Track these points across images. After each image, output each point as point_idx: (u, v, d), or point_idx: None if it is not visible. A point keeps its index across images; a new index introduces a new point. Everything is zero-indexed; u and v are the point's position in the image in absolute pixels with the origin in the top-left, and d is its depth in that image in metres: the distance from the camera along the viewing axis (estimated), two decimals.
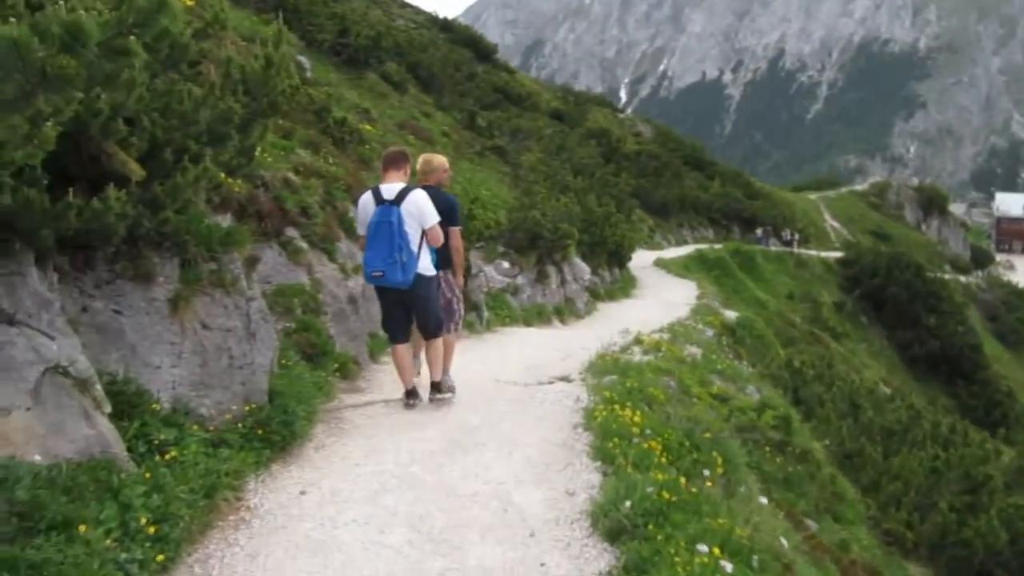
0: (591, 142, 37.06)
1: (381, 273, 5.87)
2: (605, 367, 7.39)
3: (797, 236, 47.61)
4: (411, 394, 6.22)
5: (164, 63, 4.86)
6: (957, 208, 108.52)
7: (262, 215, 7.45)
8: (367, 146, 13.40)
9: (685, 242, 43.51)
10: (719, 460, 5.14)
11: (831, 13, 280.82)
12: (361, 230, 6.22)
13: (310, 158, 9.30)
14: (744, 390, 9.72)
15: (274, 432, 4.78)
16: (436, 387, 6.32)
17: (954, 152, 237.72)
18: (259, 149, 8.23)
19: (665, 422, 5.41)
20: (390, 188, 6.04)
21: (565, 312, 15.28)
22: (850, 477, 10.71)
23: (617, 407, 5.46)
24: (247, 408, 4.86)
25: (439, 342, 6.33)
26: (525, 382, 7.48)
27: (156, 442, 4.06)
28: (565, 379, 7.10)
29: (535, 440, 5.27)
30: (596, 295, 18.52)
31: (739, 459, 5.64)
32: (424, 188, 6.37)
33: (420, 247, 6.00)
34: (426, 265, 6.08)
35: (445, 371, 6.43)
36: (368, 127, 14.86)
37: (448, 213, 6.42)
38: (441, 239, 6.17)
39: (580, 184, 23.12)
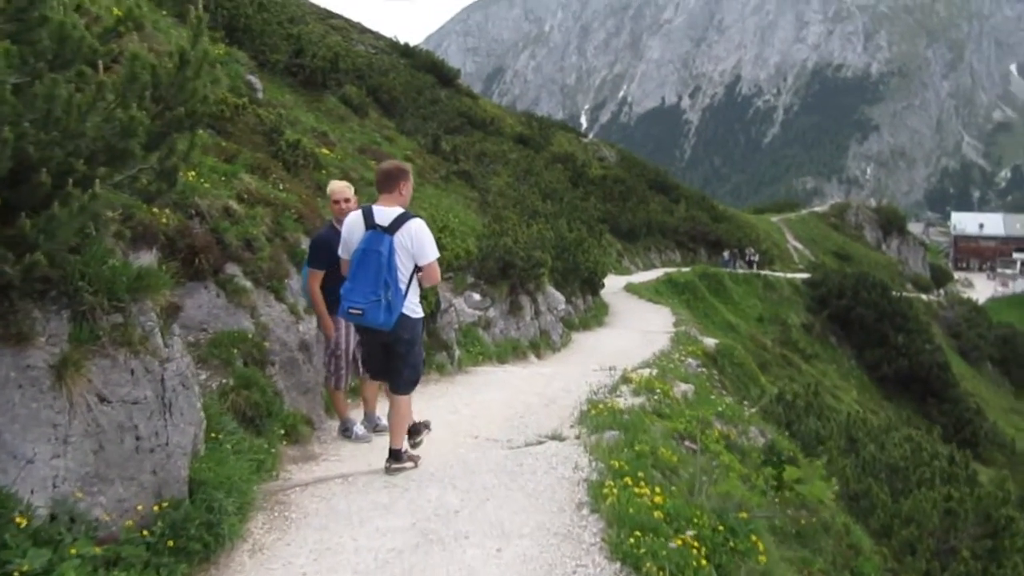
0: (557, 166, 36.24)
1: (360, 311, 5.04)
2: (601, 419, 6.35)
3: (757, 256, 47.46)
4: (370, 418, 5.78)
5: (52, 63, 3.77)
6: (914, 228, 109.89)
7: (196, 250, 6.33)
8: (323, 171, 12.30)
9: (653, 266, 42.96)
10: (760, 546, 4.11)
11: (785, 39, 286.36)
12: (345, 254, 5.36)
13: (256, 184, 8.19)
14: (747, 433, 8.75)
15: (193, 539, 3.64)
16: (395, 456, 5.34)
17: (908, 173, 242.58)
18: (192, 173, 7.14)
19: (690, 500, 4.37)
20: (384, 212, 5.19)
21: (541, 345, 14.24)
22: (858, 521, 9.76)
23: (629, 480, 4.42)
24: (158, 507, 3.73)
25: (405, 401, 5.41)
26: (509, 439, 6.42)
27: (16, 575, 2.92)
28: (557, 437, 6.02)
29: (530, 528, 4.19)
30: (571, 325, 17.52)
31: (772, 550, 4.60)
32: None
33: (409, 284, 5.17)
34: (413, 305, 5.25)
35: (398, 440, 5.38)
36: (326, 151, 13.77)
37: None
38: (439, 278, 5.37)
39: (550, 209, 22.19)
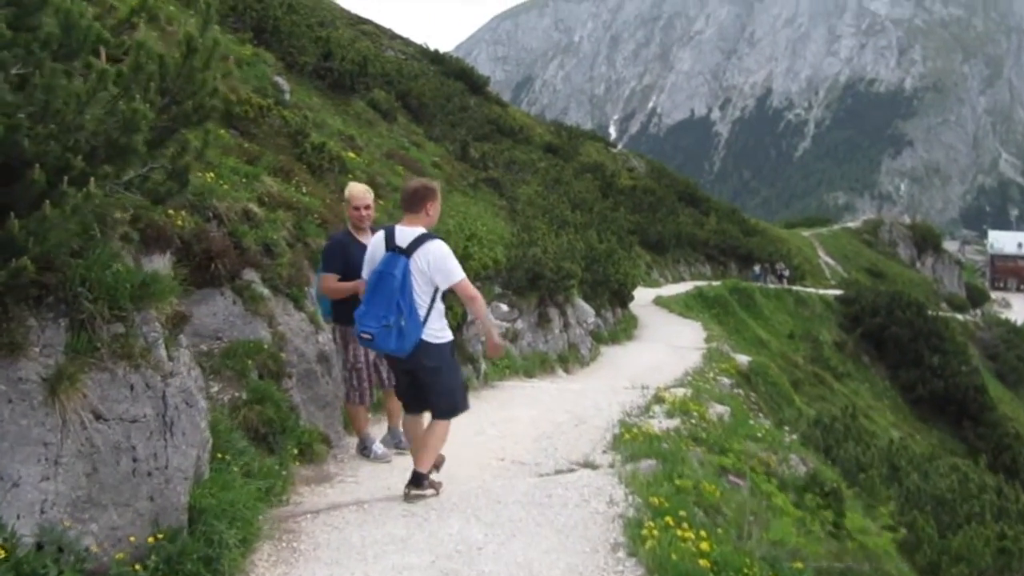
0: (587, 176, 35.85)
1: (370, 336, 4.81)
2: (636, 446, 5.95)
3: (788, 272, 46.64)
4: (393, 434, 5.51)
5: (56, 53, 3.47)
6: (949, 246, 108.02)
7: (212, 255, 6.03)
8: (349, 175, 12.03)
9: (682, 279, 42.43)
10: None
11: (817, 53, 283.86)
12: (364, 274, 5.16)
13: (279, 187, 7.90)
14: (787, 461, 8.28)
15: (190, 574, 3.30)
16: (416, 481, 4.99)
17: (943, 190, 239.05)
18: (211, 174, 6.85)
19: (739, 546, 3.96)
20: (405, 233, 4.95)
21: (569, 359, 13.84)
22: (904, 558, 9.24)
23: (670, 520, 4.02)
24: (154, 538, 3.39)
25: (443, 426, 5.11)
26: (537, 463, 6.04)
27: None
28: (590, 465, 5.62)
29: (560, 570, 3.79)
30: (599, 338, 17.10)
31: None
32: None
33: (430, 309, 4.88)
34: (436, 330, 4.94)
35: (424, 463, 5.05)
36: (352, 155, 13.51)
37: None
38: (475, 293, 5.06)
39: (579, 219, 21.79)
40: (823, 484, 8.18)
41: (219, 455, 4.20)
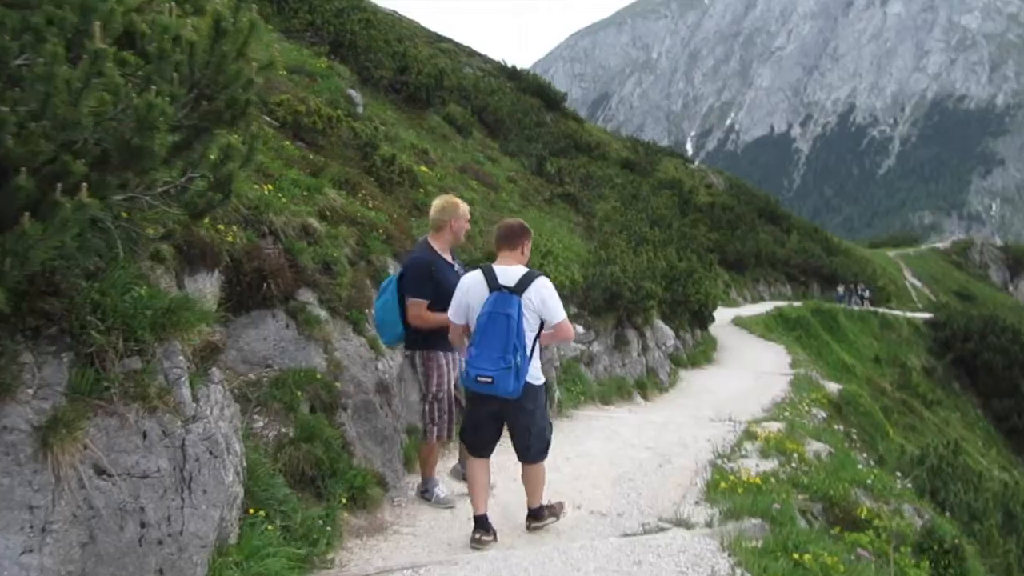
0: (665, 192, 34.86)
1: (490, 379, 4.65)
2: (735, 498, 5.16)
3: (868, 293, 44.65)
4: (481, 524, 4.77)
5: (72, 41, 2.94)
6: None
7: (264, 274, 5.50)
8: (421, 190, 11.51)
9: (761, 298, 41.13)
10: None
11: (904, 68, 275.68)
12: (458, 318, 4.97)
13: (343, 200, 7.37)
14: (901, 511, 7.34)
15: None
16: (535, 515, 5.10)
17: None
18: (269, 186, 6.35)
19: None
20: (507, 272, 4.84)
21: (648, 385, 13.01)
22: None
23: None
24: None
25: (539, 468, 5.06)
26: (619, 513, 5.32)
27: None
28: (683, 524, 4.84)
29: None
30: (678, 362, 16.20)
31: None
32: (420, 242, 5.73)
33: (533, 349, 4.83)
34: (536, 371, 4.89)
35: (537, 499, 5.10)
36: (424, 168, 13.01)
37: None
38: (572, 335, 5.09)
39: (658, 236, 20.89)
40: (942, 540, 7.23)
41: (252, 510, 3.60)
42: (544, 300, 4.77)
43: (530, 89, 40.29)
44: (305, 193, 6.90)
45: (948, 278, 75.29)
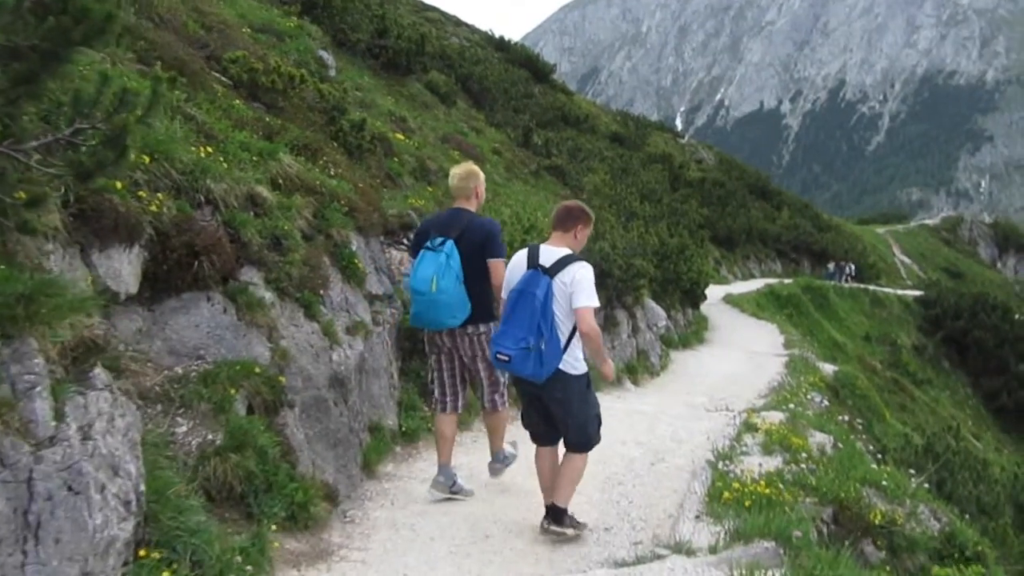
0: (655, 166, 34.03)
1: (507, 358, 4.46)
2: (741, 514, 4.45)
3: (853, 270, 44.20)
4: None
5: None
6: None
7: (197, 249, 4.71)
8: (395, 158, 10.70)
9: (752, 276, 40.61)
10: None
11: (894, 44, 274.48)
12: (502, 293, 4.86)
13: (300, 167, 6.55)
14: (916, 514, 6.67)
15: None
16: (555, 516, 4.65)
17: (1023, 188, 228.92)
18: (208, 148, 5.54)
19: None
20: (550, 252, 4.66)
21: (638, 369, 12.30)
22: None
23: None
24: None
25: (578, 459, 4.78)
26: (606, 528, 4.65)
27: None
28: (682, 550, 4.08)
29: None
30: (670, 343, 15.50)
31: None
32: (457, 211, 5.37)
33: (571, 336, 4.56)
34: (573, 360, 4.59)
35: (563, 497, 4.69)
36: (401, 136, 12.18)
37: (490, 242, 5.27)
38: (592, 328, 4.54)
39: (648, 211, 20.11)
40: (963, 546, 6.57)
41: (144, 552, 2.83)
42: (575, 280, 4.47)
43: (518, 61, 39.37)
44: (255, 158, 6.09)
45: (937, 255, 75.15)
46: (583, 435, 4.76)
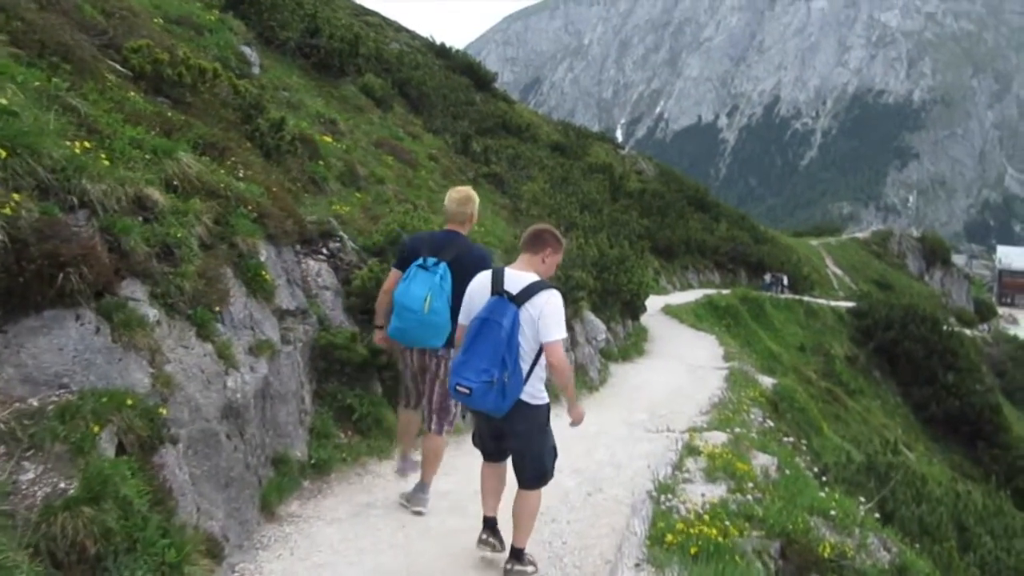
0: (596, 176, 33.82)
1: (468, 391, 4.21)
2: (683, 562, 3.95)
3: (786, 280, 45.02)
4: (489, 525, 4.52)
5: None
6: (957, 260, 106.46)
7: (63, 260, 4.03)
8: (321, 162, 10.04)
9: (690, 286, 40.75)
10: None
11: (826, 63, 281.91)
12: (464, 318, 4.55)
13: (200, 168, 5.87)
14: (866, 543, 6.30)
15: None
16: (518, 556, 4.49)
17: (947, 203, 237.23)
18: (86, 143, 4.85)
19: None
20: (516, 277, 4.38)
21: (577, 385, 11.82)
22: None
23: None
24: None
25: (534, 496, 4.55)
26: None
27: None
28: None
29: None
30: (609, 356, 15.07)
31: None
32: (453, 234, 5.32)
33: (534, 365, 4.34)
34: (535, 390, 4.39)
35: (522, 538, 4.54)
36: (328, 139, 11.51)
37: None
38: (563, 363, 4.30)
39: (589, 221, 19.73)
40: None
41: None
42: (543, 313, 4.22)
43: (459, 68, 38.91)
44: (148, 156, 5.41)
45: (868, 267, 77.05)
46: (540, 468, 4.55)
